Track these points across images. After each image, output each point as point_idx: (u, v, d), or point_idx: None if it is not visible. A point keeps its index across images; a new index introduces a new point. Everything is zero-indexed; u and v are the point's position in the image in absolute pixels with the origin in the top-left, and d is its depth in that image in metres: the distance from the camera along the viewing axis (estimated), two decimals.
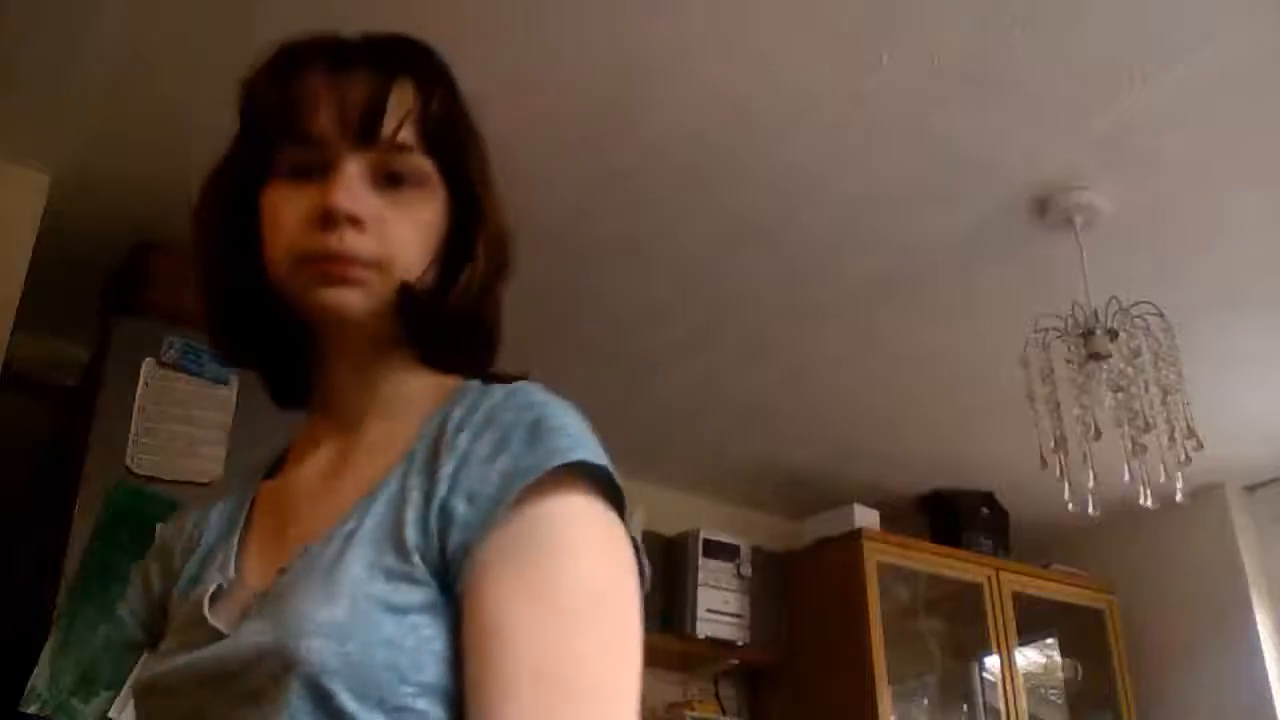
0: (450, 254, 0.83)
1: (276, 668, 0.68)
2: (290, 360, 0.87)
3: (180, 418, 2.13)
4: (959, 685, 3.67)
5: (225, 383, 2.19)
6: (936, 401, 3.18)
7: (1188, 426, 2.18)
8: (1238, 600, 3.46)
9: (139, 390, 2.12)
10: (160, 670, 0.77)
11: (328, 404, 0.87)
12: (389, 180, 0.81)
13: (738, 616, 3.33)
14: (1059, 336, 2.29)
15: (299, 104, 0.80)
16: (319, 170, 0.79)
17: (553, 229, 2.47)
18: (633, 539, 0.77)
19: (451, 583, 0.71)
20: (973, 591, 3.47)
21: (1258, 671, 3.37)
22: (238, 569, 0.81)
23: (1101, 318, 2.24)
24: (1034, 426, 2.31)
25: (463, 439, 0.74)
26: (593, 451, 0.75)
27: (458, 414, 0.76)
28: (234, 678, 0.71)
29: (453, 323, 0.83)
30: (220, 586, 0.79)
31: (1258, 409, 3.14)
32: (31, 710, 1.83)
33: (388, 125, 0.80)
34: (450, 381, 0.83)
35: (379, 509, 0.74)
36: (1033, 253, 2.49)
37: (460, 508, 0.71)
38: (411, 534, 0.72)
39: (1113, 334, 2.23)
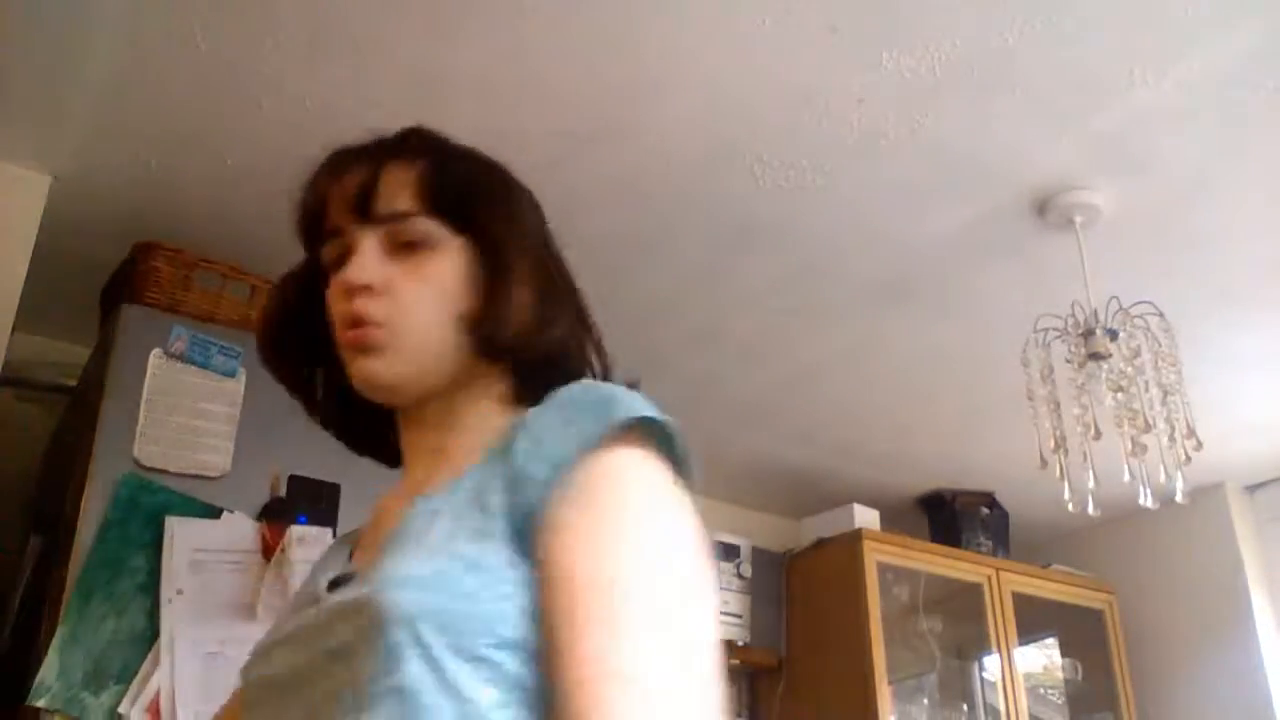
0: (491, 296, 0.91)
1: (362, 621, 0.73)
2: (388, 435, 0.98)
3: (188, 410, 2.12)
4: (959, 685, 3.67)
5: (233, 375, 2.18)
6: (937, 401, 3.18)
7: (1188, 426, 2.18)
8: (1238, 600, 3.46)
9: (146, 382, 2.10)
10: (262, 642, 0.87)
11: (409, 464, 0.96)
12: (406, 248, 0.90)
13: (738, 616, 3.33)
14: (1059, 336, 2.29)
15: (313, 209, 0.94)
16: (348, 255, 0.91)
17: (553, 228, 2.46)
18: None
19: (528, 543, 0.76)
20: (972, 591, 3.47)
21: (1258, 671, 3.37)
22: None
23: (1101, 318, 2.24)
24: (1034, 426, 2.31)
25: (532, 418, 0.81)
26: (654, 411, 0.80)
27: (531, 412, 0.83)
28: (318, 635, 0.78)
29: (522, 355, 0.92)
30: (340, 577, 0.87)
31: (1258, 409, 3.14)
32: (40, 704, 1.82)
33: (382, 201, 0.90)
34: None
35: (465, 486, 0.81)
36: (1033, 253, 2.49)
37: (532, 470, 0.78)
38: (494, 499, 0.78)
39: (1113, 334, 2.22)
